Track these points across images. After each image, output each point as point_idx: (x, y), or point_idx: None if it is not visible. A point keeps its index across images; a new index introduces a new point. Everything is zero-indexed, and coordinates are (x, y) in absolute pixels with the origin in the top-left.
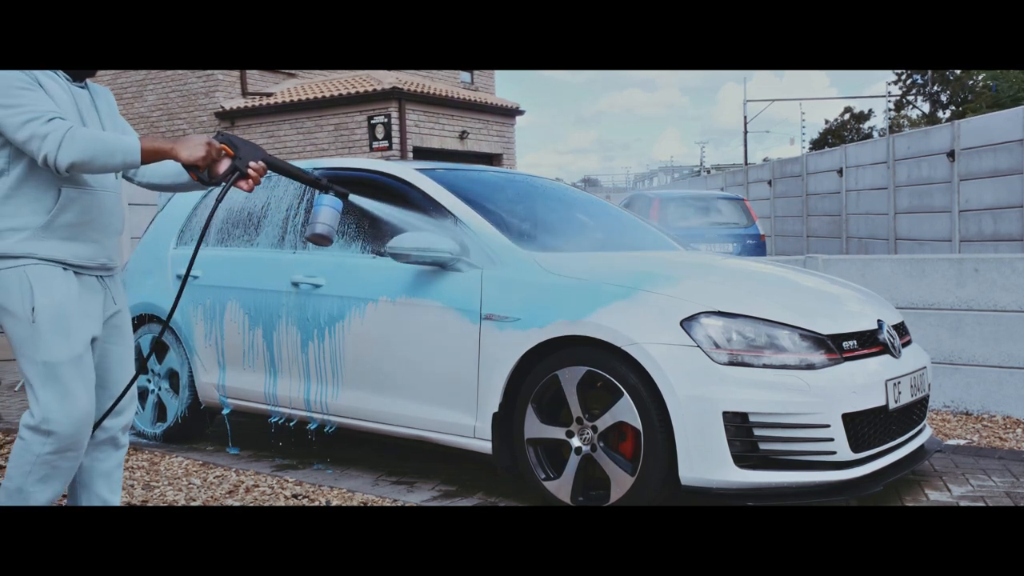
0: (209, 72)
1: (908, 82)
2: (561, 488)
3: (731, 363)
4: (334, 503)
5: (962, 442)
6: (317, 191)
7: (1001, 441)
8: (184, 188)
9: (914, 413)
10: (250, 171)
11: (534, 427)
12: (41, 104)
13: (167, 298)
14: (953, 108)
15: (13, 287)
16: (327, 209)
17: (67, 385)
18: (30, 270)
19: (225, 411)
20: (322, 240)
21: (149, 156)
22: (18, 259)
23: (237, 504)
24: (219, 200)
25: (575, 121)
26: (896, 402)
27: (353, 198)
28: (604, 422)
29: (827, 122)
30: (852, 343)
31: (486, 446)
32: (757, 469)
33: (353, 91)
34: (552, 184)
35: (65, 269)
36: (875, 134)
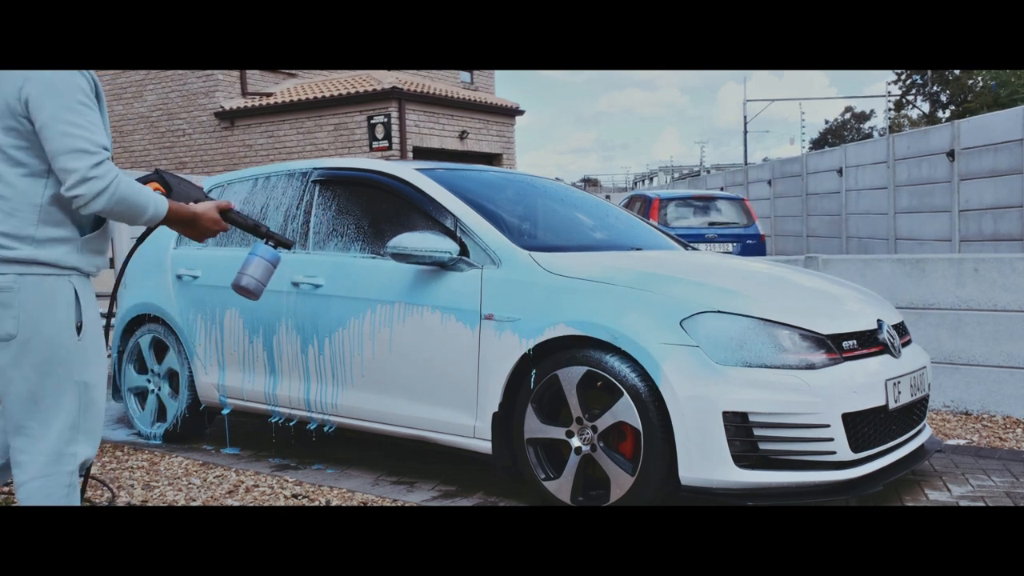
0: (209, 72)
1: (908, 82)
2: (561, 488)
3: (731, 363)
4: (334, 503)
5: (962, 442)
6: (256, 238)
7: (1001, 441)
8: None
9: (914, 413)
10: None
11: (534, 427)
12: (98, 132)
13: (167, 298)
14: (953, 108)
15: (60, 298)
16: (259, 261)
17: (100, 406)
18: (75, 282)
19: (225, 411)
20: (247, 294)
21: (171, 221)
22: (65, 270)
23: (237, 504)
24: (140, 240)
25: (575, 121)
26: (896, 402)
27: (354, 197)
28: (604, 422)
29: (827, 122)
30: (852, 343)
31: (486, 446)
32: (757, 469)
33: (353, 91)
34: (552, 184)
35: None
36: (875, 134)
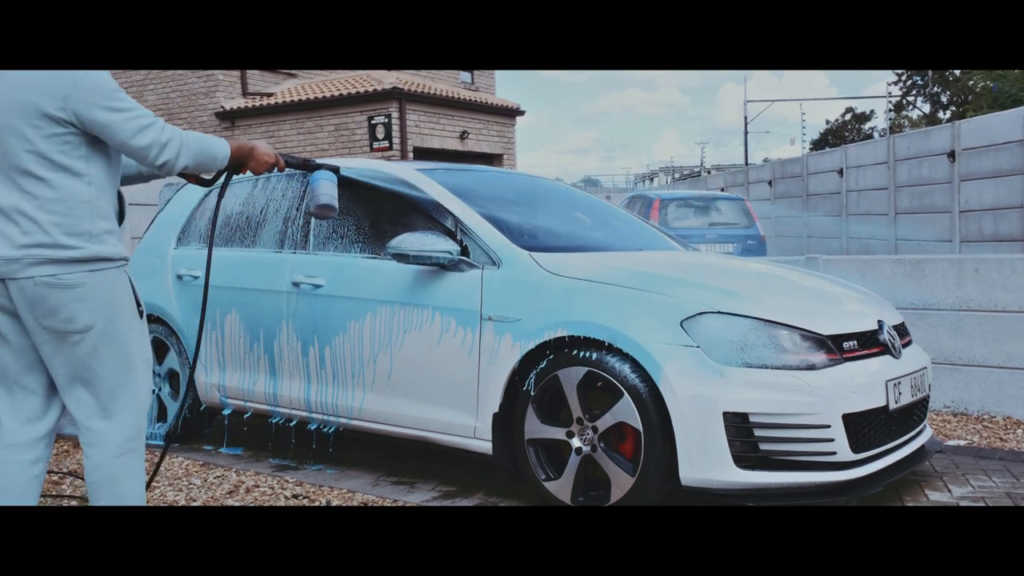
0: (209, 72)
1: (908, 83)
2: (561, 488)
3: (731, 363)
4: (334, 503)
5: (962, 443)
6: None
7: (1001, 442)
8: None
9: (914, 413)
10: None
11: (534, 427)
12: (143, 107)
13: (167, 298)
14: (953, 108)
15: (122, 287)
16: (325, 182)
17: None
18: (126, 270)
19: (226, 411)
20: (327, 211)
21: (235, 158)
22: (119, 261)
23: (237, 504)
24: (221, 196)
25: (575, 121)
26: (896, 402)
27: (353, 198)
28: (604, 422)
29: (828, 122)
30: (852, 343)
31: (486, 446)
32: (757, 469)
33: (353, 91)
34: (552, 184)
35: None
36: (876, 134)
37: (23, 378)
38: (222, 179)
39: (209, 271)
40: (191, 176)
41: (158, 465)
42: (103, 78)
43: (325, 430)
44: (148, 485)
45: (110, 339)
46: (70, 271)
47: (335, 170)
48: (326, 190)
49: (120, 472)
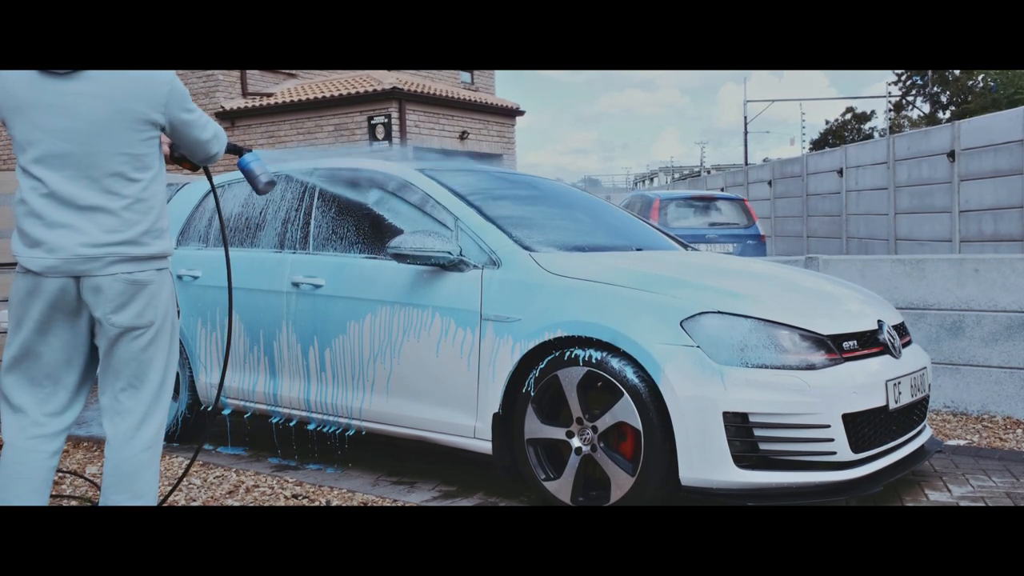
0: (209, 72)
1: (908, 83)
2: (561, 488)
3: (731, 363)
4: (334, 503)
5: (962, 442)
6: (239, 156)
7: (1001, 441)
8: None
9: (914, 413)
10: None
11: (534, 427)
12: None
13: None
14: (953, 108)
15: (171, 286)
16: (256, 163)
17: None
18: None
19: (226, 411)
20: (272, 187)
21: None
22: (168, 260)
23: (237, 504)
24: (215, 193)
25: (575, 121)
26: (896, 402)
27: (354, 198)
28: (604, 422)
29: (828, 122)
30: (852, 343)
31: (486, 446)
32: (757, 469)
33: (353, 91)
34: (552, 184)
35: None
36: (875, 134)
37: (57, 373)
38: (225, 177)
39: (231, 277)
40: (187, 163)
41: (185, 471)
42: (179, 81)
43: (324, 430)
44: (169, 496)
45: (164, 335)
46: (144, 268)
47: (249, 150)
48: (263, 169)
49: (141, 467)
